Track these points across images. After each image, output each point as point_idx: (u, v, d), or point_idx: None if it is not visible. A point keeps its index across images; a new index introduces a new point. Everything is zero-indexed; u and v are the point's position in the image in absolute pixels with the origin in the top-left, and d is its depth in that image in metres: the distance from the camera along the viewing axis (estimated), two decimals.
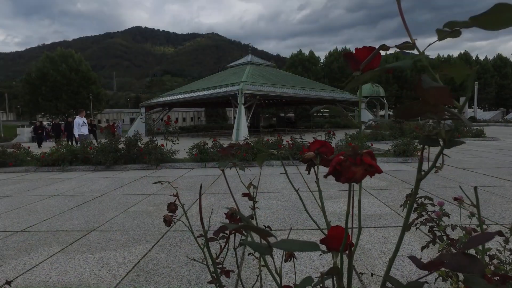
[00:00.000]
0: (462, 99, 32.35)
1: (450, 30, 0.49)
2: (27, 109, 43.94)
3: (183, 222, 1.14)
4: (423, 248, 1.68)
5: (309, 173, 0.85)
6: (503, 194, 4.24)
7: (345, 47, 53.72)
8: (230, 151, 1.17)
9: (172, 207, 1.14)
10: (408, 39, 0.50)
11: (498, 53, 61.03)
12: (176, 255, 2.63)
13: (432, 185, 4.93)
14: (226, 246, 0.88)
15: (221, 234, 1.00)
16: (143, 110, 29.65)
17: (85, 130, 12.13)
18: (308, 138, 9.12)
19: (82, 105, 43.17)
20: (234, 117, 21.17)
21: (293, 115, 48.15)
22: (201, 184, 0.93)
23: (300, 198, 0.91)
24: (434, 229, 1.63)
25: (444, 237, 1.57)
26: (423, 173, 0.55)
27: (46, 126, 21.41)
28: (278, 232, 3.11)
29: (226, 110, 55.62)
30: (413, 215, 1.84)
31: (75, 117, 12.61)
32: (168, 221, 1.07)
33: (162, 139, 8.90)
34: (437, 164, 0.54)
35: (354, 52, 0.66)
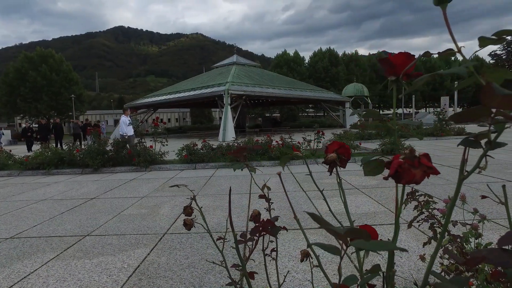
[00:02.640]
0: (443, 98, 32.88)
1: (497, 38, 0.51)
2: (4, 110, 42.26)
3: (199, 224, 1.14)
4: (425, 244, 1.73)
5: (331, 174, 0.87)
6: (489, 190, 4.39)
7: (330, 47, 54.29)
8: (243, 153, 1.18)
9: (188, 211, 1.14)
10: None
11: (476, 54, 63.30)
12: (176, 258, 2.61)
13: (422, 183, 5.06)
14: (255, 248, 0.89)
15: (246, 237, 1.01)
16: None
17: (130, 130, 10.65)
18: (297, 138, 9.20)
19: (64, 107, 41.84)
20: (220, 118, 21.07)
21: (279, 115, 48.34)
22: (230, 188, 0.93)
23: (325, 199, 0.93)
24: (435, 226, 1.69)
25: (445, 233, 1.62)
26: (465, 173, 0.58)
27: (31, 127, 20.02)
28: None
29: (212, 111, 55.30)
30: (414, 213, 1.90)
31: (121, 116, 11.58)
32: (188, 225, 1.06)
33: (151, 140, 8.77)
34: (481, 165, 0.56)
35: (389, 57, 0.68)
